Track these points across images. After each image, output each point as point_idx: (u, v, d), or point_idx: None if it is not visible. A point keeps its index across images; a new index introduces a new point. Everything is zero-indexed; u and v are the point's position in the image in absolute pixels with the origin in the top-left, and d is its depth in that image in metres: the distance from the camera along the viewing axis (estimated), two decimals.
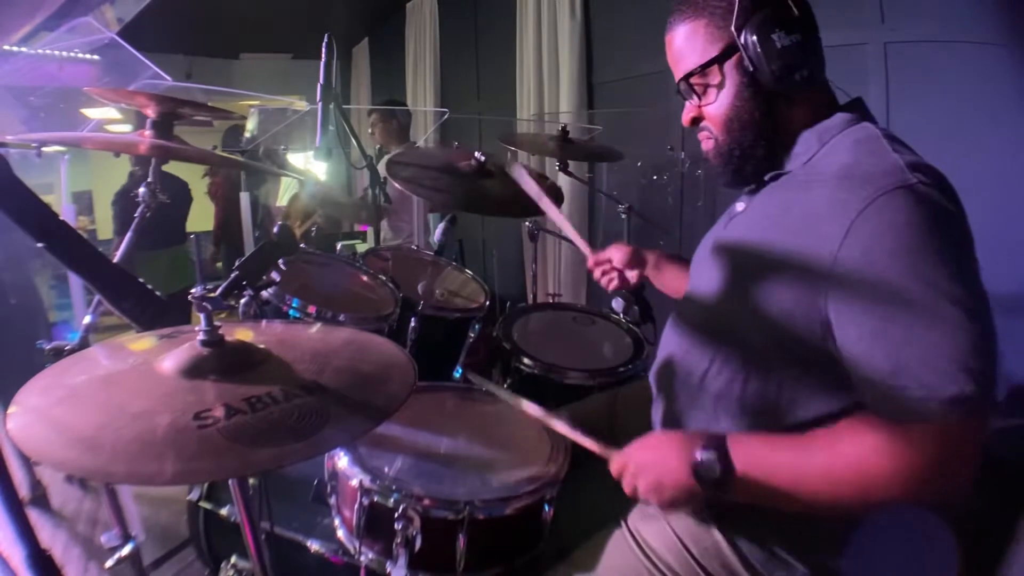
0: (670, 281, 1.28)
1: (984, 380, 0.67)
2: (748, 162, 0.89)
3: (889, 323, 0.70)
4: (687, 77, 0.89)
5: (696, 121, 0.92)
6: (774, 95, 0.85)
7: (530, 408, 1.02)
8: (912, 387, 0.68)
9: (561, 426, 0.98)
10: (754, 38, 0.81)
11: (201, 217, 4.19)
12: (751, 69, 0.83)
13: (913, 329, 0.69)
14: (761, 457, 0.77)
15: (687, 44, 0.88)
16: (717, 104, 0.88)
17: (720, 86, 0.87)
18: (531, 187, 1.34)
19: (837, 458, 0.73)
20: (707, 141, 0.92)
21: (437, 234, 1.91)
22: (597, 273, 1.32)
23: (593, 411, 1.30)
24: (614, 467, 0.88)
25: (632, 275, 1.29)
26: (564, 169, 2.14)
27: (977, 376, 0.67)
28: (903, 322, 0.70)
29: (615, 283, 1.30)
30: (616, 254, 1.29)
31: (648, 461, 0.84)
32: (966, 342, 0.67)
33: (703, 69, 0.87)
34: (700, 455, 0.78)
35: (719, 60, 0.85)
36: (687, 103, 0.92)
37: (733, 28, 0.82)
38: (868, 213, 0.72)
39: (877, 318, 0.71)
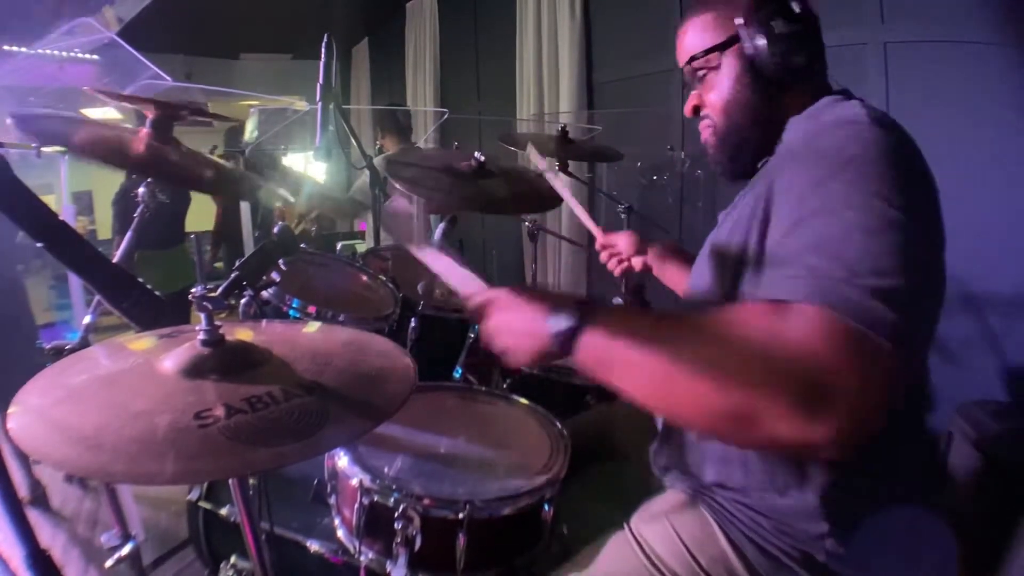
0: (671, 275, 1.30)
1: (901, 302, 0.58)
2: (744, 148, 0.92)
3: (822, 225, 0.65)
4: (691, 61, 0.92)
5: (697, 111, 0.96)
6: (773, 82, 0.87)
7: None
8: (819, 269, 0.61)
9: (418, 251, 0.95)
10: (755, 25, 0.85)
11: (201, 217, 4.19)
12: (751, 54, 0.86)
13: (838, 223, 0.63)
14: (621, 317, 0.67)
15: (695, 36, 0.92)
16: (718, 89, 0.91)
17: (722, 72, 0.91)
18: (543, 164, 1.39)
19: (714, 329, 0.61)
20: (707, 130, 0.95)
21: (437, 234, 1.91)
22: (604, 255, 1.36)
23: (592, 423, 1.30)
24: (474, 302, 0.79)
25: (637, 262, 1.32)
26: (564, 169, 2.14)
27: (892, 290, 0.58)
28: (825, 218, 0.64)
29: (622, 267, 1.34)
30: (623, 240, 1.33)
31: (510, 305, 0.74)
32: (892, 254, 0.60)
33: (706, 54, 0.90)
34: (557, 306, 0.69)
35: (722, 47, 0.89)
36: (691, 93, 0.95)
37: (737, 19, 0.86)
38: (810, 136, 0.74)
39: (807, 223, 0.66)
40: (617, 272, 1.36)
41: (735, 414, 0.57)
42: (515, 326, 0.73)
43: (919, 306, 0.61)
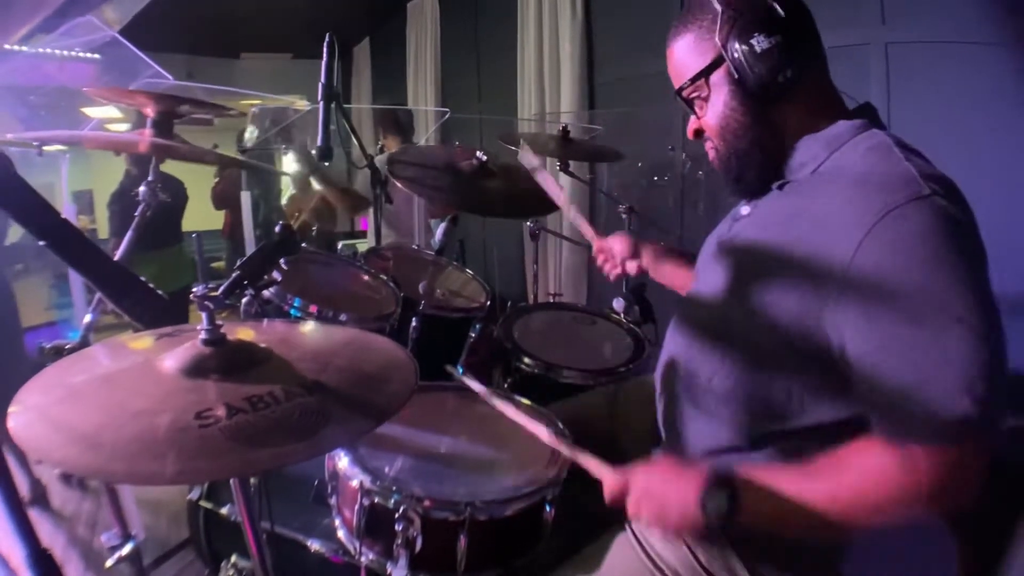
0: (668, 275, 1.29)
1: (989, 404, 0.67)
2: (747, 169, 0.90)
3: (899, 337, 0.70)
4: (679, 92, 0.91)
5: (700, 133, 0.93)
6: (763, 100, 0.85)
7: (517, 416, 1.00)
8: (918, 406, 0.68)
9: (552, 438, 0.96)
10: (735, 44, 0.82)
11: (200, 217, 4.19)
12: (736, 76, 0.84)
13: (924, 346, 0.69)
14: (768, 492, 0.75)
15: (680, 59, 0.90)
16: (711, 114, 0.89)
17: (712, 96, 0.88)
18: (536, 163, 1.36)
19: (842, 484, 0.73)
20: (711, 151, 0.94)
21: (438, 234, 1.91)
22: (600, 259, 1.34)
23: (593, 408, 1.30)
24: (610, 488, 0.85)
25: (631, 266, 1.30)
26: (565, 169, 2.14)
27: (982, 400, 0.66)
28: (913, 337, 0.69)
29: (616, 271, 1.32)
30: (617, 244, 1.31)
31: (654, 490, 0.81)
32: (975, 365, 0.67)
33: (692, 83, 0.88)
34: (708, 492, 0.76)
35: (707, 72, 0.87)
36: (691, 117, 0.94)
37: (717, 39, 0.83)
38: (885, 223, 0.71)
39: (888, 330, 0.71)
40: (612, 277, 1.34)
41: (868, 527, 0.75)
42: (667, 503, 0.79)
43: (1000, 382, 0.69)
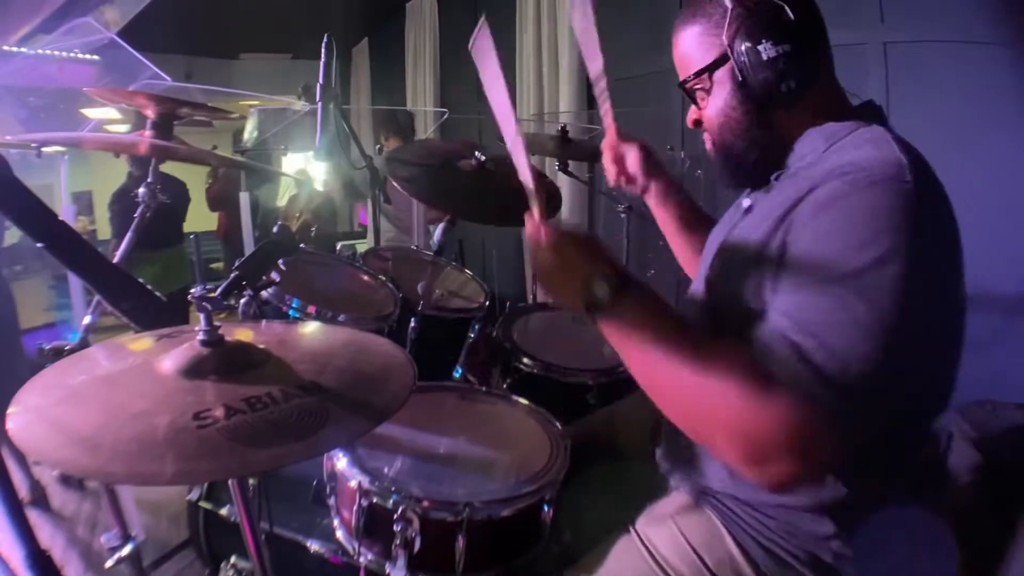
0: (665, 217, 1.23)
1: (858, 390, 0.64)
2: (742, 167, 0.90)
3: (809, 285, 0.69)
4: (683, 84, 0.91)
5: (698, 123, 0.94)
6: (765, 104, 0.84)
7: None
8: (799, 352, 0.66)
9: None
10: (742, 48, 0.81)
11: (200, 217, 4.19)
12: (739, 79, 0.83)
13: (831, 296, 0.66)
14: (646, 311, 0.75)
15: (686, 49, 0.89)
16: (711, 109, 0.89)
17: (714, 92, 0.88)
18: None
19: (704, 368, 0.69)
20: (707, 143, 0.94)
21: (437, 234, 1.91)
22: (607, 158, 1.26)
23: (594, 426, 1.29)
24: (529, 232, 0.85)
25: (639, 184, 1.23)
26: (564, 169, 2.14)
27: (850, 382, 0.64)
28: (823, 288, 0.67)
29: (618, 179, 1.25)
30: (631, 156, 1.23)
31: (560, 253, 0.80)
32: (864, 344, 0.64)
33: (696, 76, 0.88)
34: (598, 276, 0.75)
35: (711, 68, 0.86)
36: (691, 107, 0.93)
37: (724, 36, 0.82)
38: (832, 183, 0.72)
39: (802, 281, 0.70)
40: (611, 182, 1.26)
41: (700, 436, 0.74)
42: (557, 278, 0.80)
43: (898, 391, 0.68)
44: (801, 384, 0.64)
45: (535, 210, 0.86)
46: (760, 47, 0.80)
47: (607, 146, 1.25)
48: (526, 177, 0.87)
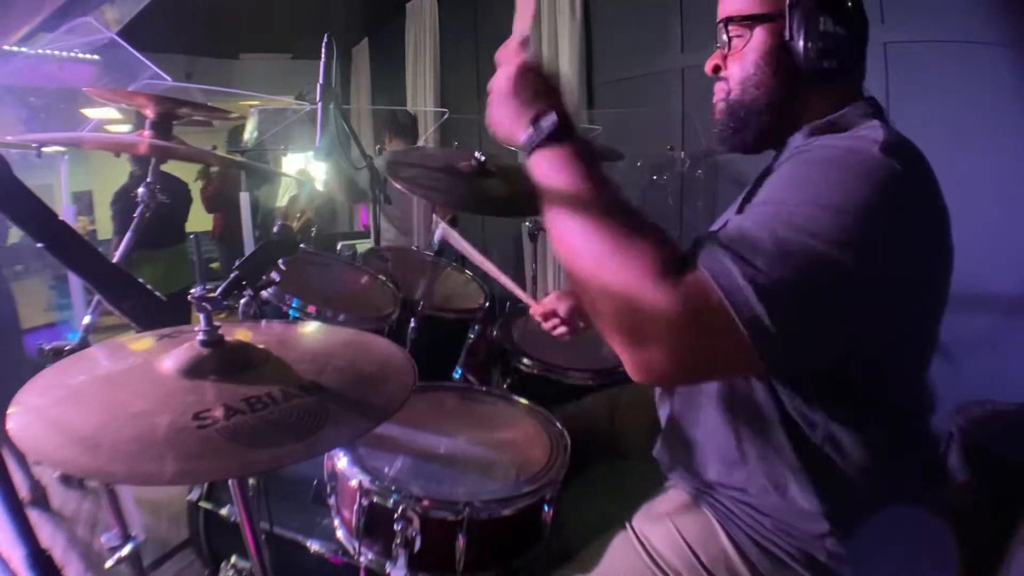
0: None
1: (772, 312, 0.61)
2: (749, 127, 0.88)
3: (755, 219, 0.68)
4: (727, 21, 0.88)
5: (717, 70, 0.92)
6: (800, 75, 0.84)
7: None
8: (722, 239, 0.66)
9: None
10: (801, 11, 0.82)
11: (201, 217, 4.20)
12: (787, 39, 0.83)
13: (766, 232, 0.65)
14: (580, 161, 0.73)
15: None
16: (742, 61, 0.87)
17: (752, 44, 0.86)
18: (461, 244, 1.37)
19: (621, 224, 0.69)
20: (720, 92, 0.91)
21: (437, 235, 1.92)
22: (546, 325, 1.35)
23: (592, 411, 1.30)
24: (503, 49, 0.86)
25: (581, 325, 1.32)
26: None
27: (771, 296, 0.62)
28: (780, 206, 0.67)
29: (561, 332, 1.34)
30: (561, 306, 1.32)
31: (514, 81, 0.80)
32: (792, 281, 0.62)
33: (744, 20, 0.86)
34: (543, 114, 0.75)
35: (763, 19, 0.85)
36: (716, 50, 0.91)
37: None
38: (808, 153, 0.73)
39: (752, 215, 0.69)
40: (565, 336, 1.35)
41: (589, 294, 0.70)
42: (503, 108, 0.79)
43: (809, 329, 0.65)
44: (710, 264, 0.64)
45: (520, 24, 0.86)
46: (821, 18, 0.81)
47: (537, 316, 1.37)
48: None
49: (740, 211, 0.76)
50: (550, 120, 0.73)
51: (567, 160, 0.73)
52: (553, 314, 1.33)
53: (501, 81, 0.80)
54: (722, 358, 0.66)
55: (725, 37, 0.89)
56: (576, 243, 0.70)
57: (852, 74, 0.86)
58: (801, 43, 0.82)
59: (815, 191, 0.68)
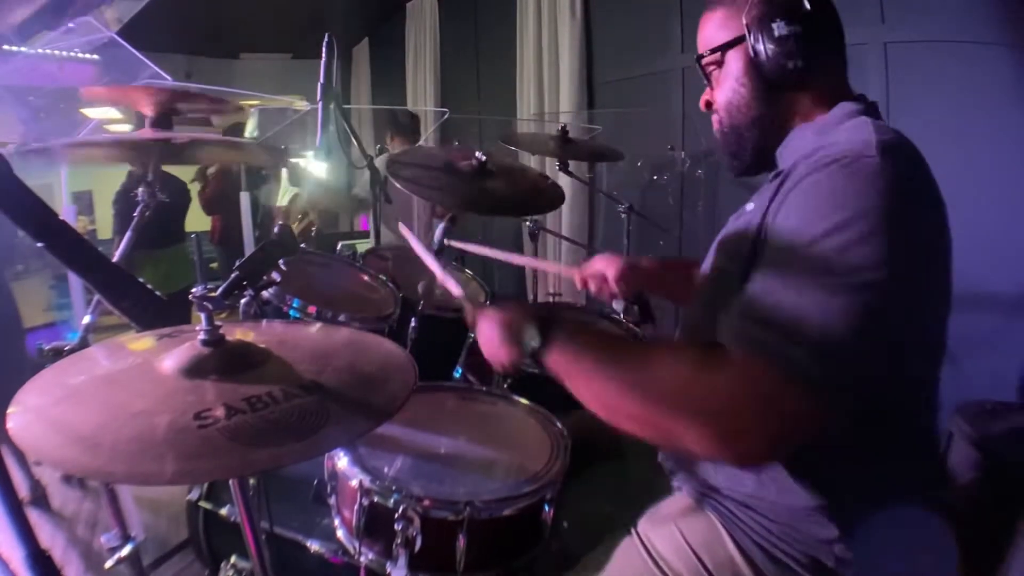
0: (675, 288, 1.27)
1: (844, 364, 0.64)
2: (744, 148, 0.93)
3: (783, 267, 0.70)
4: (699, 59, 0.94)
5: (709, 105, 0.97)
6: (772, 83, 0.87)
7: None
8: (769, 324, 0.67)
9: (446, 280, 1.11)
10: (758, 26, 0.85)
11: (201, 217, 4.19)
12: (752, 56, 0.87)
13: (796, 287, 0.67)
14: (579, 340, 0.79)
15: (709, 32, 0.93)
16: (723, 87, 0.92)
17: (727, 70, 0.91)
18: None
19: (650, 362, 0.73)
20: (715, 125, 0.97)
21: (437, 234, 1.92)
22: (595, 291, 1.33)
23: (593, 420, 1.29)
24: (467, 318, 1.00)
25: (625, 289, 1.30)
26: (564, 169, 2.14)
27: (838, 356, 0.64)
28: (792, 279, 0.69)
29: (606, 289, 1.31)
30: (609, 269, 1.29)
31: (492, 322, 0.90)
32: (841, 321, 0.64)
33: (711, 53, 0.92)
34: (526, 325, 0.83)
35: (728, 46, 0.90)
36: (706, 87, 0.97)
37: (744, 18, 0.86)
38: (810, 176, 0.74)
39: (776, 264, 0.72)
40: (607, 296, 1.33)
41: (660, 433, 0.72)
42: (496, 344, 0.88)
43: (869, 360, 0.66)
44: (751, 344, 0.66)
45: (465, 305, 1.02)
46: (774, 24, 0.84)
47: (580, 284, 1.36)
48: (451, 286, 1.05)
49: (759, 232, 0.78)
50: (532, 336, 0.82)
51: (570, 357, 0.79)
52: (602, 279, 1.31)
53: (482, 337, 0.92)
54: (798, 423, 0.66)
55: (703, 74, 0.95)
56: (623, 409, 0.74)
57: (827, 70, 0.88)
58: (765, 55, 0.85)
59: (829, 224, 0.68)
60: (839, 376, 0.64)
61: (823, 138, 0.82)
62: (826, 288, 0.66)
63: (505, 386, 1.53)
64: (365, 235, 4.35)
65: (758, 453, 0.67)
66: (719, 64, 0.92)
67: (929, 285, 0.72)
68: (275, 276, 0.89)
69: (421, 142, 4.07)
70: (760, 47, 0.85)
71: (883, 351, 0.68)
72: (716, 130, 0.96)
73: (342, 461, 0.98)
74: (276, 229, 0.89)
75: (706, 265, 0.99)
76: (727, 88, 0.91)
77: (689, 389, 0.68)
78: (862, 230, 0.67)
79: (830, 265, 0.66)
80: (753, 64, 0.87)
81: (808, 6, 0.84)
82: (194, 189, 3.97)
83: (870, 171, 0.70)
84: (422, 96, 4.91)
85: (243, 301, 0.95)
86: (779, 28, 0.84)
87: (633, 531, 0.93)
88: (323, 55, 1.53)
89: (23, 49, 3.12)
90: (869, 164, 0.70)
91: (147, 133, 1.23)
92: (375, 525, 0.95)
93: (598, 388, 0.76)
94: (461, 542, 0.91)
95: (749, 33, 0.86)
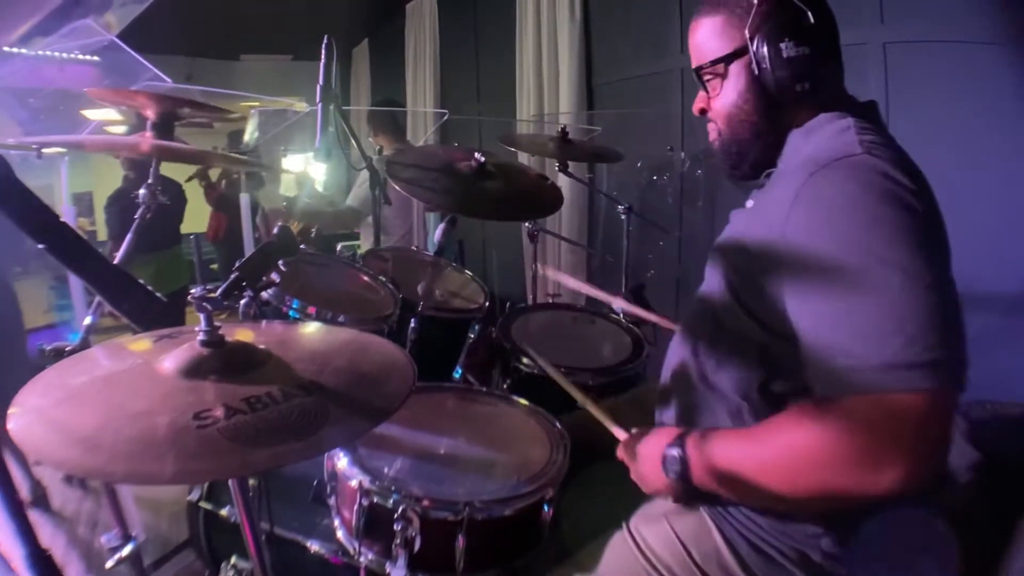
0: None
1: (931, 345, 0.64)
2: (744, 158, 0.92)
3: (827, 296, 0.71)
4: (699, 70, 0.92)
5: (704, 112, 0.96)
6: (777, 100, 0.86)
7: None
8: (840, 358, 0.67)
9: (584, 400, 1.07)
10: (764, 44, 0.83)
11: (198, 218, 4.19)
12: (756, 73, 0.85)
13: (847, 299, 0.69)
14: (715, 452, 0.79)
15: (705, 37, 0.91)
16: (722, 99, 0.91)
17: (728, 82, 0.90)
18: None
19: (776, 445, 0.73)
20: (712, 132, 0.96)
21: (437, 235, 1.92)
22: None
23: (592, 420, 1.29)
24: (621, 451, 0.95)
25: None
26: (564, 170, 2.14)
27: (919, 340, 0.64)
28: (838, 293, 0.69)
29: None
30: None
31: (641, 452, 0.89)
32: (902, 306, 0.65)
33: (713, 64, 0.90)
34: (667, 451, 0.83)
35: (729, 59, 0.88)
36: (700, 94, 0.95)
37: (747, 30, 0.84)
38: (809, 184, 0.74)
39: (818, 292, 0.72)
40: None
41: (823, 498, 0.71)
42: (644, 472, 0.89)
43: (956, 347, 0.67)
44: (849, 382, 0.66)
45: (619, 434, 0.98)
46: (782, 45, 0.82)
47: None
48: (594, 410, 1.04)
49: (774, 247, 0.78)
50: (674, 461, 0.82)
51: (716, 469, 0.79)
52: None
53: (634, 470, 0.92)
54: (936, 439, 0.68)
55: (702, 83, 0.93)
56: (783, 487, 0.73)
57: (830, 82, 0.88)
58: (770, 73, 0.84)
59: (850, 233, 0.70)
60: (958, 356, 0.65)
61: (810, 143, 0.84)
62: (886, 284, 0.66)
63: (505, 386, 1.54)
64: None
65: (917, 470, 0.66)
66: (718, 74, 0.90)
67: (947, 271, 0.73)
68: (274, 277, 0.89)
69: (419, 143, 4.07)
70: (767, 66, 0.83)
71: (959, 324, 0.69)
72: (713, 139, 0.95)
73: (342, 461, 0.98)
74: (276, 230, 0.89)
75: (709, 273, 0.99)
76: (728, 102, 0.90)
77: (822, 444, 0.68)
78: (882, 232, 0.68)
79: (878, 272, 0.67)
80: (757, 81, 0.86)
81: (812, 20, 0.82)
82: (191, 190, 3.97)
83: (867, 169, 0.72)
84: (422, 97, 4.91)
85: (243, 302, 0.95)
86: (788, 48, 0.82)
87: (625, 526, 0.94)
88: (323, 56, 1.53)
89: (23, 51, 3.13)
90: (864, 163, 0.72)
91: (147, 142, 1.24)
92: (375, 525, 0.95)
93: (754, 481, 0.75)
94: (460, 542, 0.91)
95: (754, 47, 0.84)
